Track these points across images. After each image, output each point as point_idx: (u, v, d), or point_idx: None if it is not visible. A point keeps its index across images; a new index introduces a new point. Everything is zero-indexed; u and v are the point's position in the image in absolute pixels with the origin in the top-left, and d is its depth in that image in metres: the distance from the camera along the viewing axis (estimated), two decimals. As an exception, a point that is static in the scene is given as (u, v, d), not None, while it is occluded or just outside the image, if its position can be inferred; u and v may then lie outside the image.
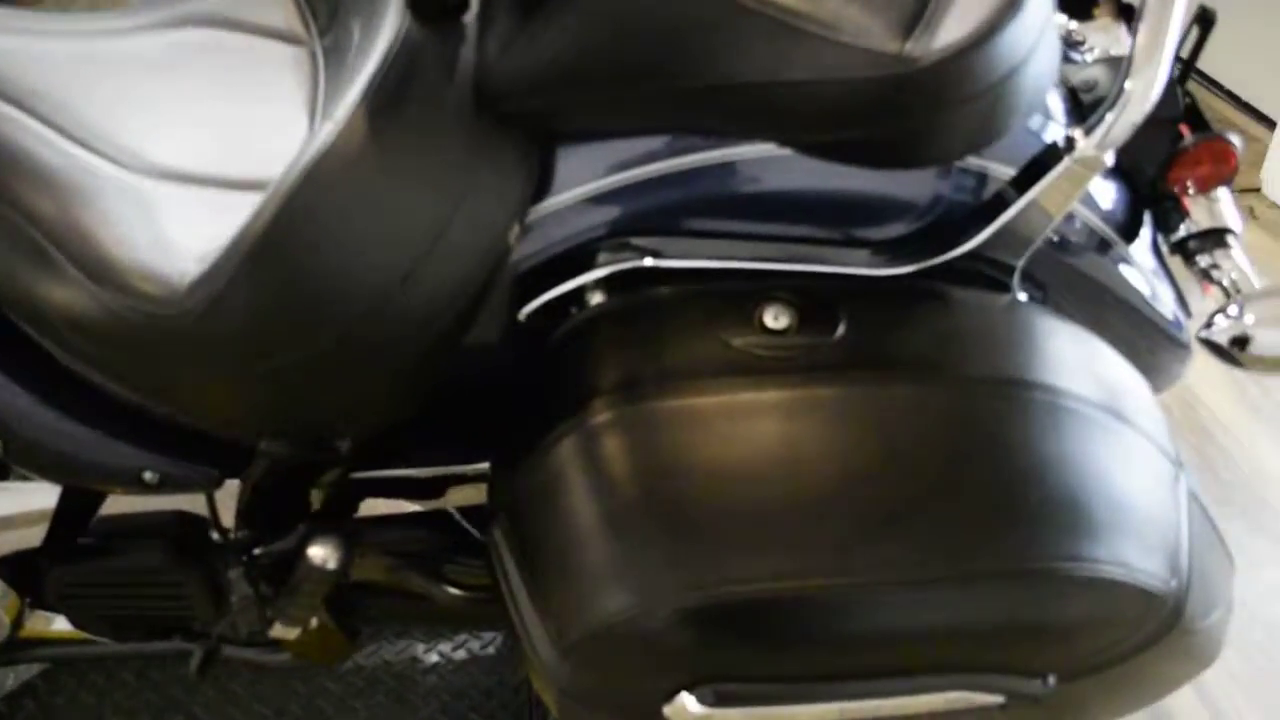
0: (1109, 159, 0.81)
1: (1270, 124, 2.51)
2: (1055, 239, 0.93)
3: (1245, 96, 2.69)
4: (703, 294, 0.83)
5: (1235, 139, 0.92)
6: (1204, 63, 2.91)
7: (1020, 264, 0.88)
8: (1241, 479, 1.74)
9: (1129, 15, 1.05)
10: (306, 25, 1.00)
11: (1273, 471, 1.76)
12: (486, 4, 0.83)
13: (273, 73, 0.96)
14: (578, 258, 0.87)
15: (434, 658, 1.38)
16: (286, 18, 1.01)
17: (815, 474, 0.76)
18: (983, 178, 0.88)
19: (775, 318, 0.80)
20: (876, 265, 0.86)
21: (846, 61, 0.73)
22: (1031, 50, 0.76)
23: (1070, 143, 0.81)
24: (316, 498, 1.03)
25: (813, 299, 0.82)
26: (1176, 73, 0.97)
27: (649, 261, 0.85)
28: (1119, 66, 0.95)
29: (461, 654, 1.38)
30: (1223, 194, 0.97)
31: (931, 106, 0.73)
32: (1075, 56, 1.05)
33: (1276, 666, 1.49)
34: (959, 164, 0.87)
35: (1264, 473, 1.75)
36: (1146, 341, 1.01)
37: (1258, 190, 2.44)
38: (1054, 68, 0.83)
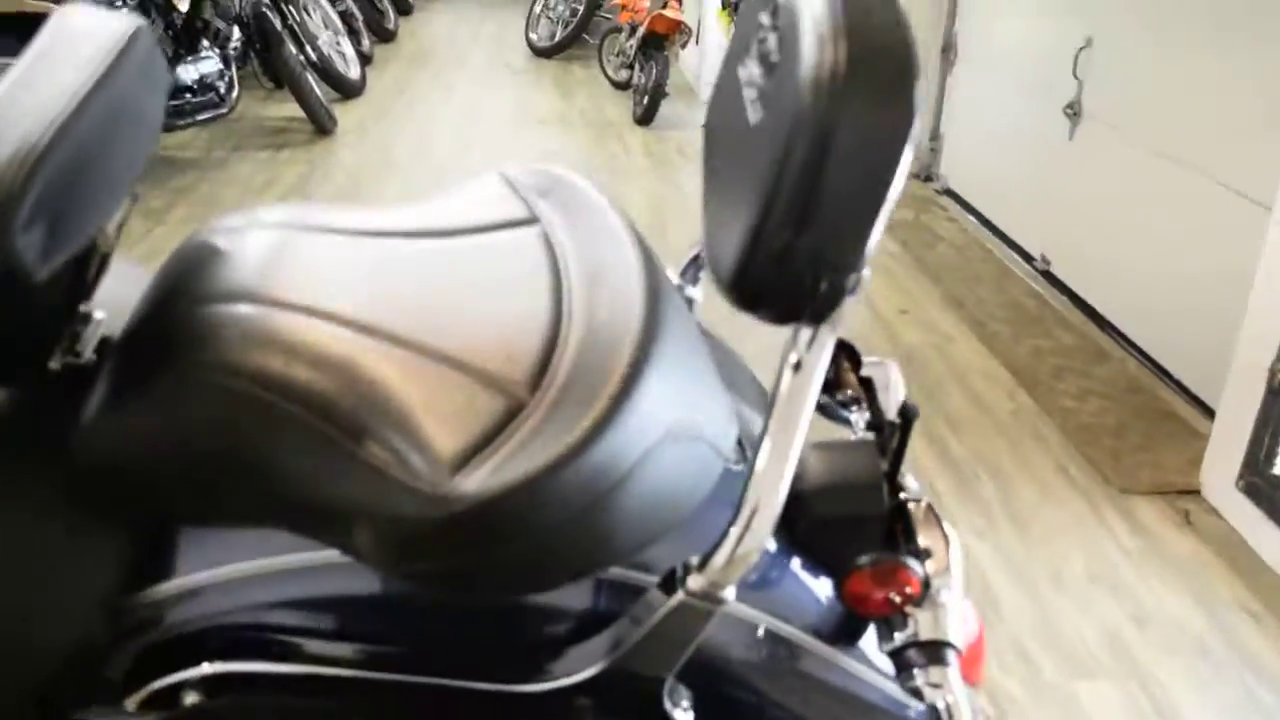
0: (730, 593, 0.74)
1: (1211, 414, 2.39)
2: (745, 648, 0.85)
3: (1189, 384, 2.59)
4: (287, 714, 0.76)
5: (915, 564, 0.82)
6: (1151, 345, 2.80)
7: (669, 678, 0.79)
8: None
9: (867, 385, 0.99)
10: None
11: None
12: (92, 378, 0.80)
13: None
14: (185, 649, 0.81)
15: None
16: None
17: None
18: (634, 588, 0.81)
19: None
20: (501, 681, 0.78)
21: (392, 497, 0.67)
22: (631, 470, 0.69)
23: (685, 571, 0.74)
24: None
25: None
26: (886, 468, 0.90)
27: (243, 667, 0.78)
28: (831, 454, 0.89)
29: None
30: (949, 599, 0.87)
31: (484, 544, 0.67)
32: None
33: None
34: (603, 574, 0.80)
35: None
36: None
37: (1196, 493, 2.28)
38: (695, 473, 0.76)
